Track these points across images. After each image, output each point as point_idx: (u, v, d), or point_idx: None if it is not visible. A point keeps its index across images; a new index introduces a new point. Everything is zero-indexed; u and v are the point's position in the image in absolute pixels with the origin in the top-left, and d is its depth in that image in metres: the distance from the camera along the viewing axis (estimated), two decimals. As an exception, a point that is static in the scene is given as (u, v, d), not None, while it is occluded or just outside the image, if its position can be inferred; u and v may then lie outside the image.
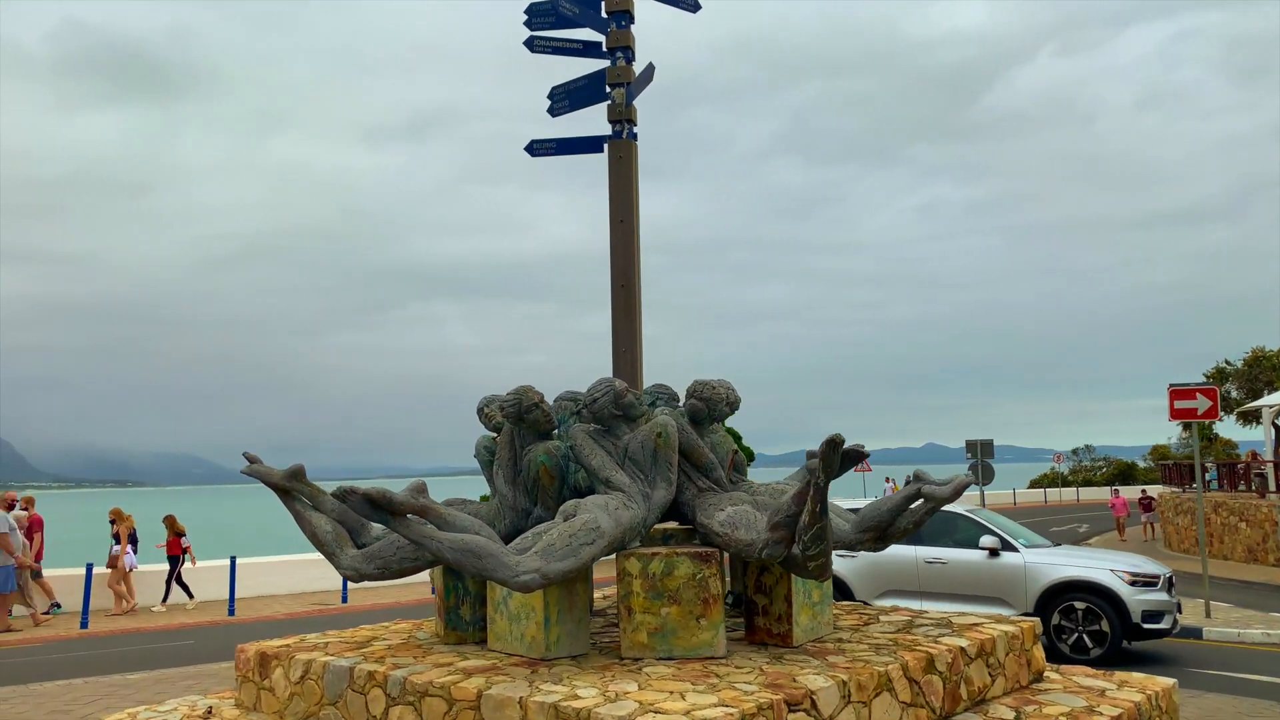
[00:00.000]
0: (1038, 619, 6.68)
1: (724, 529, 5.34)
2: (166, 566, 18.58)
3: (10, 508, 16.38)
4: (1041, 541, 12.91)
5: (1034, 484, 63.07)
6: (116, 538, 17.72)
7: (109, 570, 17.50)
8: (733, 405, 6.22)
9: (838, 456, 4.45)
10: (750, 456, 32.26)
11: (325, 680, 5.54)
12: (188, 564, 18.63)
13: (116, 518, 18.11)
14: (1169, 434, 56.30)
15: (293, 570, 20.89)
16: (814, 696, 4.50)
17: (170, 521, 18.88)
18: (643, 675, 4.89)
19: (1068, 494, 58.65)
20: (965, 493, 6.52)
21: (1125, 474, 60.85)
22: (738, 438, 37.86)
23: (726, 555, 5.60)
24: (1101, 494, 52.31)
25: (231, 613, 17.46)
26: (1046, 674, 6.32)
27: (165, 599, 18.26)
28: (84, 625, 15.54)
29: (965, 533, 12.59)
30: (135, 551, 18.21)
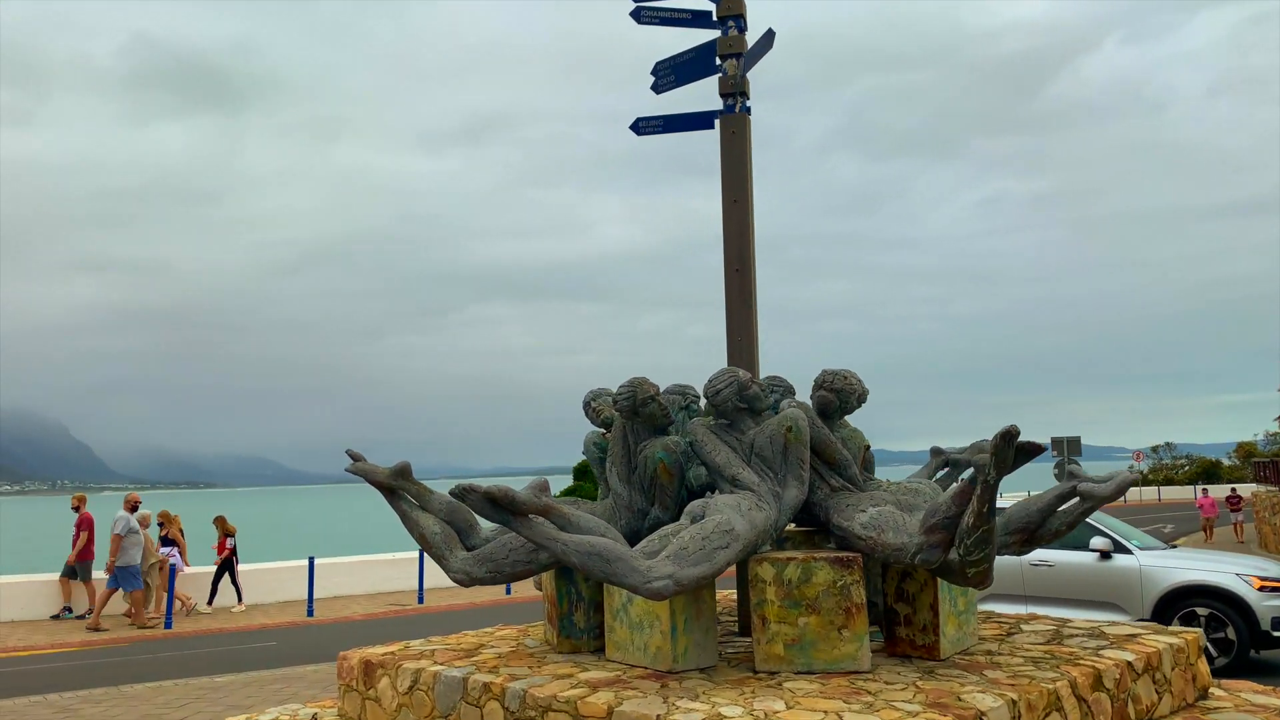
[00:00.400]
0: (1200, 630, 6.11)
1: (868, 532, 4.89)
2: (218, 568, 18.01)
3: (134, 509, 16.54)
4: (1155, 543, 12.17)
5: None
6: (165, 540, 17.43)
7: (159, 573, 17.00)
8: (861, 398, 5.77)
9: (1012, 451, 3.99)
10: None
11: (436, 691, 5.22)
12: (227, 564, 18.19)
13: (165, 520, 17.70)
14: (1254, 430, 54.13)
15: (366, 570, 20.86)
16: (984, 717, 4.05)
17: (220, 522, 18.37)
18: (786, 691, 4.47)
19: (1148, 493, 56.71)
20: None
21: (1209, 472, 58.65)
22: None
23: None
24: (1183, 493, 50.46)
25: (310, 613, 17.44)
26: (1211, 690, 5.76)
27: (211, 600, 17.71)
28: (168, 625, 15.60)
29: (1074, 533, 11.91)
30: (182, 554, 17.69)
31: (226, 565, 17.87)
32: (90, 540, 16.67)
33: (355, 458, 5.60)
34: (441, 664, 5.45)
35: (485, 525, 5.49)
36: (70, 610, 16.63)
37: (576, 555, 4.38)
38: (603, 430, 6.10)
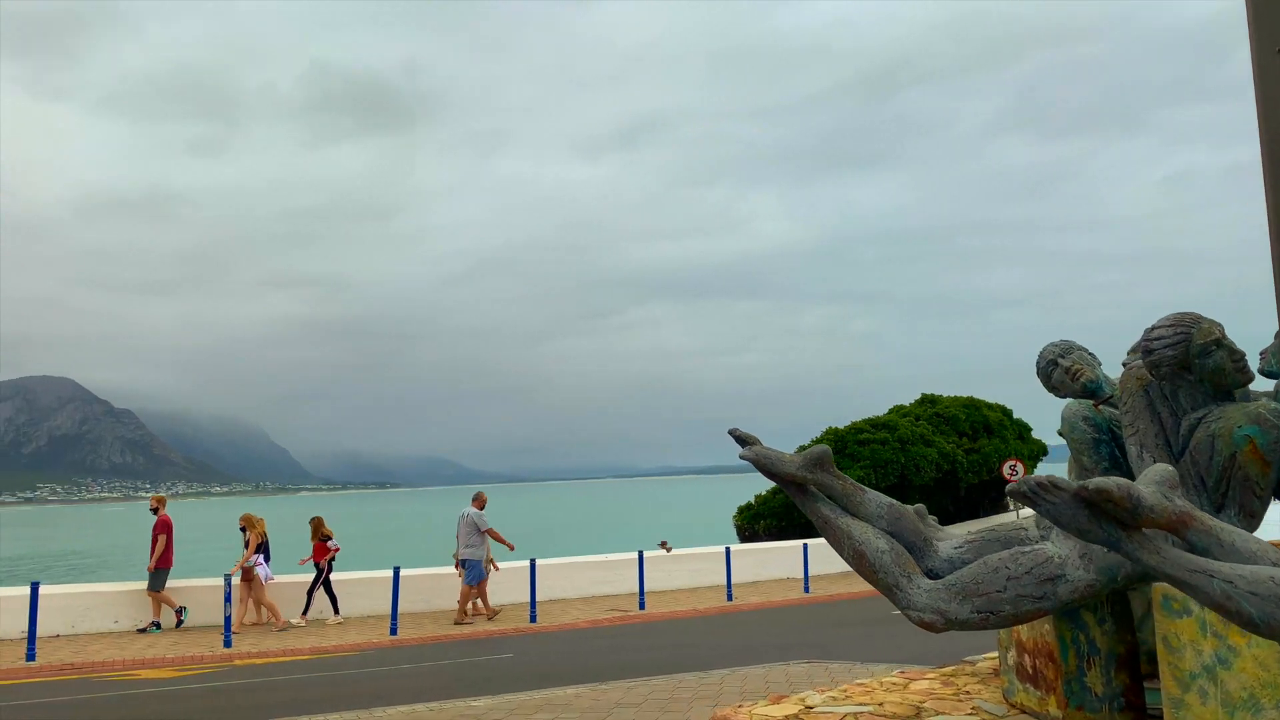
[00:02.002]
0: None
1: None
2: (316, 577, 16.22)
3: (483, 505, 16.43)
4: None
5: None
6: (249, 546, 15.64)
7: (243, 583, 15.46)
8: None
9: None
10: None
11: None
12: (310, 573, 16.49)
13: (247, 524, 15.84)
14: None
15: (576, 573, 19.68)
16: None
17: (317, 524, 16.45)
18: None
19: None
20: None
21: None
22: (1026, 428, 33.62)
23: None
24: None
25: (533, 619, 16.29)
26: None
27: (306, 611, 15.90)
28: (393, 632, 14.71)
29: None
30: (268, 560, 15.98)
31: (319, 572, 16.11)
32: (169, 546, 15.17)
33: (745, 440, 3.91)
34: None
35: (942, 540, 3.69)
36: (159, 625, 15.09)
37: (1255, 604, 2.48)
38: (1092, 399, 4.17)
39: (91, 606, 14.97)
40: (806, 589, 19.69)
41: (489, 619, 16.14)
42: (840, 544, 3.71)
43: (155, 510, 15.85)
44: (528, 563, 17.26)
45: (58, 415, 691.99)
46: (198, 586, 15.96)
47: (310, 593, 15.99)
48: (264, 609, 15.66)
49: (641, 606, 17.33)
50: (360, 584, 16.95)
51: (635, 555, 18.36)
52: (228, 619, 13.74)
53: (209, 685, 10.85)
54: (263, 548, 15.74)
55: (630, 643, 13.90)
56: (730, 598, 18.52)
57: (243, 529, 15.79)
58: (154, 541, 15.03)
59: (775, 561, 22.08)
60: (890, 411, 28.40)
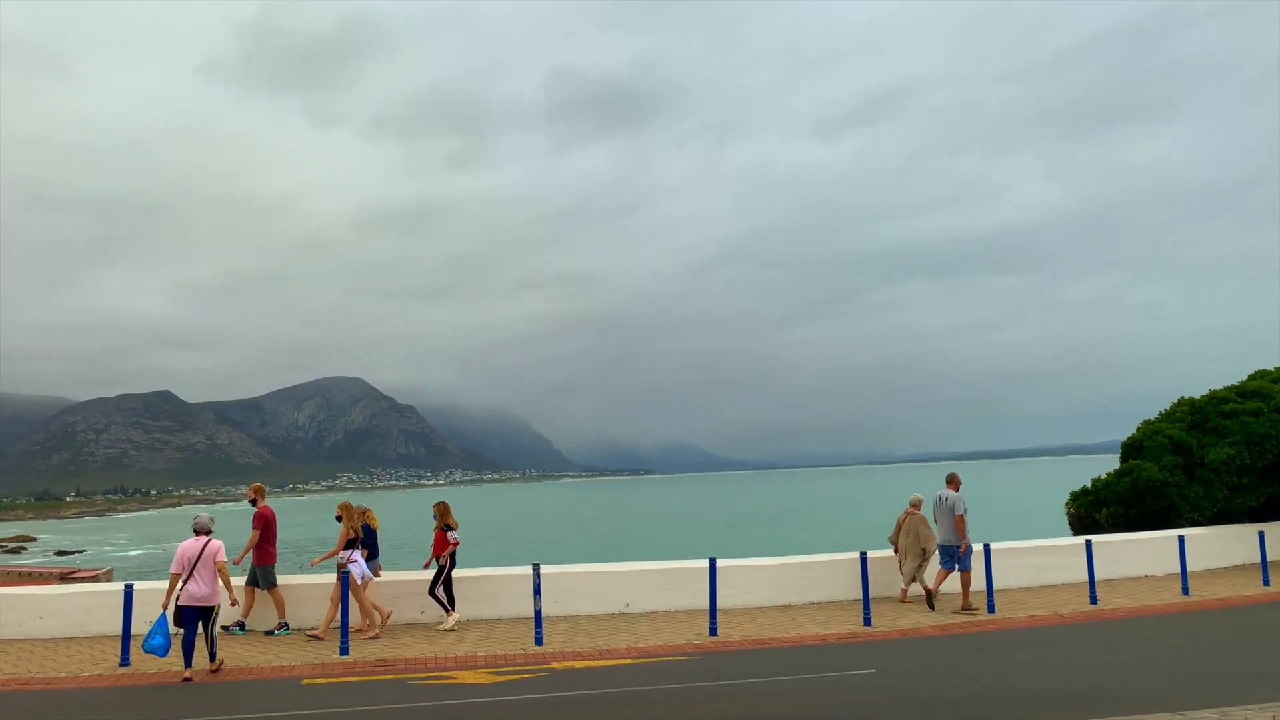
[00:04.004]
0: None
1: None
2: (437, 574, 13.75)
3: (958, 487, 15.08)
4: None
5: None
6: (349, 541, 13.18)
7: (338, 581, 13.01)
8: None
9: None
10: None
11: None
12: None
13: (344, 514, 13.36)
14: None
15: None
16: None
17: (442, 510, 13.79)
18: None
19: None
20: None
21: None
22: None
23: None
24: None
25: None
26: None
27: (451, 609, 13.53)
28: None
29: None
30: (376, 556, 13.70)
31: (440, 570, 13.64)
32: (271, 540, 13.33)
33: None
34: None
35: None
36: (243, 625, 13.26)
37: None
38: None
39: (399, 595, 14.25)
40: (1185, 589, 16.15)
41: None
42: None
43: (254, 502, 13.74)
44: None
45: (351, 412, 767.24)
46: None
47: (433, 592, 13.51)
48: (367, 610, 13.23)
49: (991, 610, 14.62)
50: (667, 575, 15.38)
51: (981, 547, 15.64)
52: (539, 617, 12.50)
53: (541, 696, 9.45)
54: (366, 542, 13.36)
55: (996, 659, 11.33)
56: (1094, 600, 15.41)
57: (339, 519, 13.42)
58: (253, 536, 13.24)
59: (1131, 556, 18.53)
60: (1251, 377, 23.65)
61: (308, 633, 13.05)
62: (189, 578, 10.70)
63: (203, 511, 11.72)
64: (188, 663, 10.59)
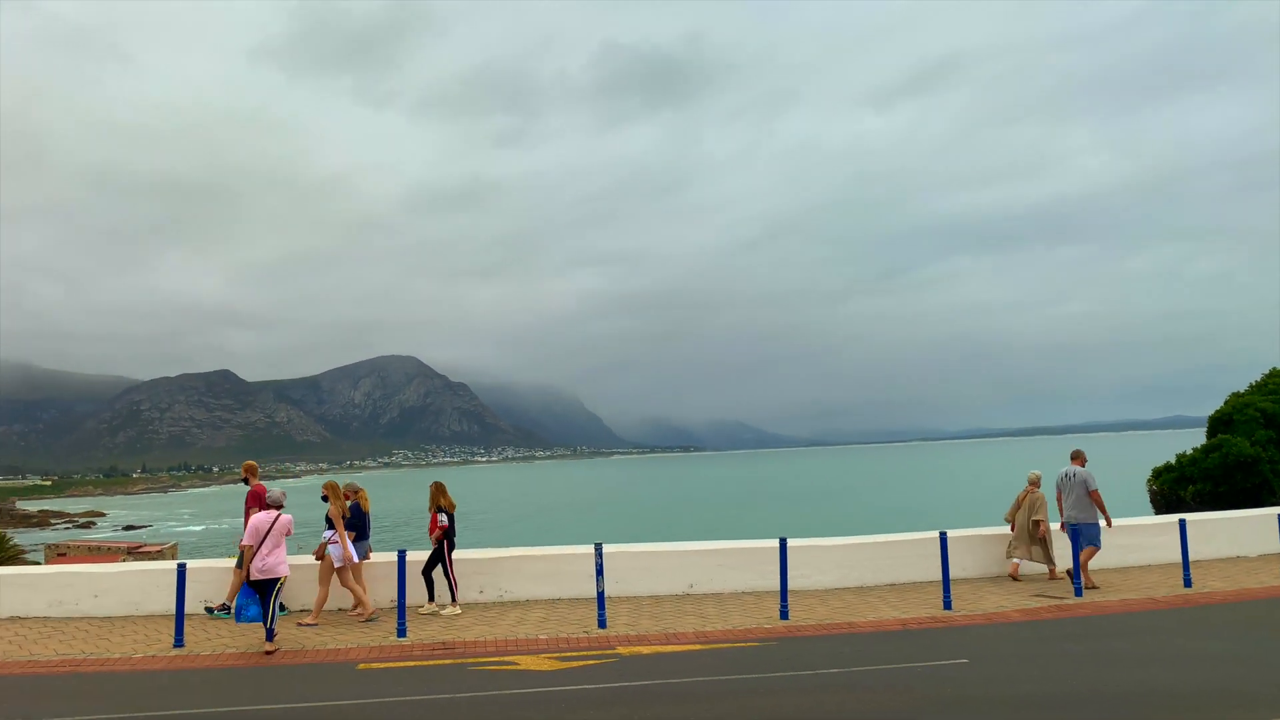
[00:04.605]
0: None
1: None
2: (431, 556, 13.13)
3: (1084, 464, 14.55)
4: None
5: None
6: (329, 521, 12.50)
7: (317, 562, 12.64)
8: None
9: None
10: None
11: None
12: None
13: (330, 494, 12.63)
14: None
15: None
16: None
17: (437, 490, 13.07)
18: None
19: None
20: None
21: None
22: None
23: None
24: None
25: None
26: None
27: (432, 596, 13.03)
28: (784, 616, 12.29)
29: None
30: (366, 538, 13.02)
31: (440, 553, 12.98)
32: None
33: None
34: None
35: None
36: (228, 609, 12.61)
37: None
38: None
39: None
40: (1290, 574, 15.10)
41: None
42: None
43: (246, 480, 12.98)
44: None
45: (406, 390, 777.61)
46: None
47: (426, 574, 12.94)
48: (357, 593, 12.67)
49: (1078, 593, 13.73)
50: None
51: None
52: (601, 598, 11.96)
53: (609, 687, 8.86)
54: (355, 524, 12.77)
55: (1096, 649, 10.49)
56: (1188, 583, 14.44)
57: (324, 498, 12.64)
58: (246, 515, 12.35)
59: (1222, 536, 17.47)
60: (1349, 347, 22.24)
61: (300, 623, 12.29)
62: (260, 549, 10.92)
63: (275, 487, 11.85)
64: (269, 636, 10.82)
